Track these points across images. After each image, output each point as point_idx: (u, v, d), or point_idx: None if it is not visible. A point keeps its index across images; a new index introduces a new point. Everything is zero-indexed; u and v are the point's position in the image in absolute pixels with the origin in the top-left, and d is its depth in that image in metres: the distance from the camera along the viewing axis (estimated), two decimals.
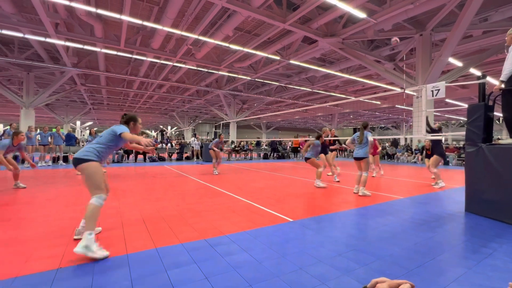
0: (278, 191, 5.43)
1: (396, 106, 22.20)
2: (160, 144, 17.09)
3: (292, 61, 13.10)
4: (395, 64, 13.81)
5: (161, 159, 13.44)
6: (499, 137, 16.04)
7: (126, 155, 12.81)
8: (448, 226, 3.21)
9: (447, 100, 19.00)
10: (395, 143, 16.25)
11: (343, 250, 2.41)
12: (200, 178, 7.35)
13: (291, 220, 3.32)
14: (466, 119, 6.25)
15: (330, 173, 8.19)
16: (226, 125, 25.56)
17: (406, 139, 20.03)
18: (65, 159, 11.01)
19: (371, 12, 9.10)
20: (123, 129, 2.48)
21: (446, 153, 14.59)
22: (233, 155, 16.23)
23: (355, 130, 42.98)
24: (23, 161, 10.01)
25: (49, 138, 10.01)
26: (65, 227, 2.91)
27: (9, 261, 2.08)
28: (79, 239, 2.40)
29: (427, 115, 6.70)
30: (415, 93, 11.87)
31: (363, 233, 2.90)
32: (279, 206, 4.04)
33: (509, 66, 3.54)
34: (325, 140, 7.18)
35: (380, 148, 10.89)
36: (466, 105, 4.42)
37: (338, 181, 6.92)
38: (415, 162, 14.70)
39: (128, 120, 2.69)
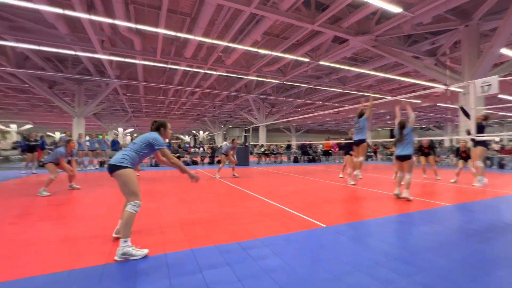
0: (309, 195, 5.31)
1: (438, 104, 20.45)
2: (193, 149, 17.81)
3: (322, 62, 12.82)
4: (436, 60, 12.76)
5: (194, 162, 13.99)
6: None
7: None
8: (506, 238, 2.84)
9: (501, 96, 17.00)
10: (431, 145, 14.99)
11: (382, 260, 2.27)
12: (231, 181, 7.49)
13: (324, 225, 3.22)
14: None
15: (342, 175, 8.55)
16: (256, 129, 25.78)
17: (451, 140, 18.29)
18: None
19: (407, 6, 8.55)
20: (161, 143, 2.61)
21: (502, 155, 13.04)
22: (263, 158, 16.28)
23: (391, 132, 40.53)
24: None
25: (96, 144, 11.03)
26: (111, 225, 3.17)
27: (65, 255, 2.32)
28: (118, 238, 2.59)
29: (461, 106, 6.22)
30: (461, 90, 10.82)
31: (405, 242, 2.70)
32: (311, 211, 3.95)
33: None
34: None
35: None
36: None
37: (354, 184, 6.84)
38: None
39: (159, 127, 2.77)
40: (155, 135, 2.65)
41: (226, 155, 8.81)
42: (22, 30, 10.52)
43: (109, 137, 28.57)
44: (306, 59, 12.72)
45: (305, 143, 16.58)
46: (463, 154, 7.36)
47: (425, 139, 8.26)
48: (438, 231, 3.03)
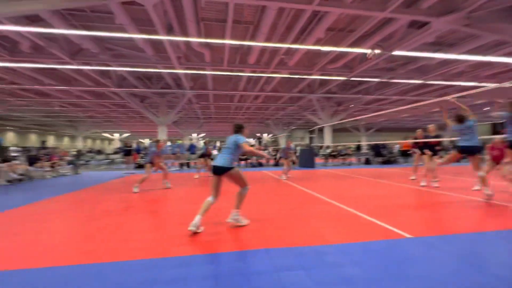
0: (386, 201, 4.78)
1: None
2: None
3: (395, 53, 11.46)
4: None
5: (260, 164, 14.42)
6: None
7: None
8: None
9: None
10: None
11: (494, 284, 1.84)
12: (298, 183, 7.39)
13: (410, 236, 2.83)
14: None
15: (413, 177, 7.63)
16: (321, 130, 24.87)
17: None
18: (188, 165, 13.50)
19: None
20: (242, 140, 3.28)
21: None
22: (330, 160, 15.55)
23: (494, 127, 33.07)
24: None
25: (177, 148, 12.58)
26: (208, 216, 3.52)
27: (158, 244, 2.69)
28: (196, 232, 2.96)
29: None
30: None
31: None
32: (391, 218, 3.53)
33: None
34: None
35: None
36: None
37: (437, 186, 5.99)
38: None
39: (240, 128, 3.44)
40: (237, 136, 3.34)
41: (286, 158, 8.93)
42: (121, 57, 12.90)
43: (186, 142, 32.16)
44: (377, 51, 11.59)
45: (378, 143, 15.06)
46: None
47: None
48: None
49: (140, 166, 13.50)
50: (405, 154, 15.35)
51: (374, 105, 26.00)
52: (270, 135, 47.84)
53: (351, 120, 35.38)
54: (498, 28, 9.35)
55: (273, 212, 4.03)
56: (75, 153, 19.11)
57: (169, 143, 13.05)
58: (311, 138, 47.23)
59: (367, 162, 15.58)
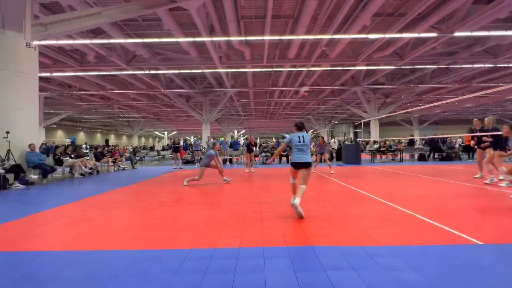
0: (448, 202, 4.29)
1: None
2: None
3: (457, 34, 10.09)
4: None
5: None
6: None
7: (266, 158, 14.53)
8: None
9: None
10: None
11: None
12: (343, 180, 7.08)
13: (480, 242, 2.49)
14: None
15: (478, 175, 6.88)
16: (367, 124, 23.28)
17: None
18: (230, 161, 13.97)
19: None
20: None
21: None
22: (378, 156, 14.52)
23: None
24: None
25: (220, 145, 13.10)
26: (241, 214, 3.64)
27: (208, 236, 2.84)
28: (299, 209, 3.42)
29: None
30: None
31: None
32: (455, 222, 3.15)
33: None
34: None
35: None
36: None
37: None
38: None
39: (304, 126, 3.94)
40: (307, 133, 3.87)
41: (322, 154, 9.36)
42: (169, 60, 13.87)
43: (228, 139, 33.30)
44: (433, 34, 10.37)
45: (436, 137, 13.51)
46: None
47: None
48: None
49: (187, 162, 14.43)
50: (469, 149, 13.53)
51: (429, 95, 23.40)
52: (311, 131, 46.61)
53: (402, 113, 32.41)
54: None
55: (317, 209, 3.94)
56: (131, 150, 21.29)
57: (211, 140, 13.64)
58: (355, 133, 44.71)
59: (422, 158, 14.13)
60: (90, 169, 9.58)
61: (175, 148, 12.33)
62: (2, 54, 7.00)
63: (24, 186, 6.84)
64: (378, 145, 15.05)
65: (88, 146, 22.37)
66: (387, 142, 14.97)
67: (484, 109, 32.24)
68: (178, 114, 32.11)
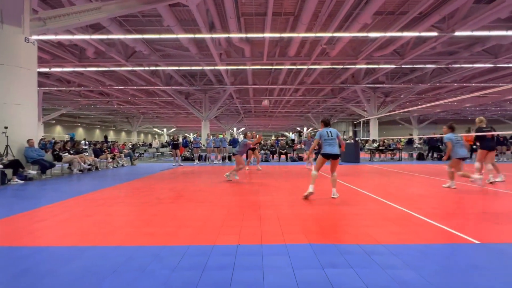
0: (446, 201, 4.31)
1: None
2: (299, 145, 18.11)
3: (458, 33, 10.07)
4: None
5: (300, 158, 14.18)
6: None
7: (272, 156, 14.54)
8: None
9: None
10: None
11: None
12: (341, 179, 7.09)
13: (477, 241, 2.51)
14: None
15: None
16: (366, 122, 23.30)
17: None
18: (229, 158, 13.98)
19: None
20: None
21: None
22: (377, 155, 14.55)
23: None
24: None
25: (219, 142, 13.11)
26: (240, 211, 3.65)
27: (207, 232, 2.84)
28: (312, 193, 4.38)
29: None
30: None
31: None
32: (453, 221, 3.17)
33: None
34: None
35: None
36: None
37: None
38: None
39: (329, 122, 4.56)
40: (333, 129, 4.45)
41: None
42: (168, 57, 13.80)
43: (228, 136, 33.25)
44: (433, 33, 10.35)
45: (434, 136, 13.55)
46: None
47: None
48: None
49: (186, 159, 14.42)
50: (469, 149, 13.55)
51: (429, 95, 23.40)
52: (310, 129, 46.60)
53: (402, 112, 32.40)
54: None
55: (315, 207, 3.95)
56: (130, 146, 21.26)
57: (211, 137, 13.64)
58: (355, 132, 44.75)
59: (421, 157, 14.18)
60: (89, 165, 9.56)
61: (174, 145, 12.32)
62: (0, 49, 6.94)
63: (22, 181, 6.82)
64: (377, 144, 15.08)
65: (87, 142, 22.32)
66: (386, 141, 14.99)
67: (483, 109, 32.28)
68: (178, 111, 32.02)
